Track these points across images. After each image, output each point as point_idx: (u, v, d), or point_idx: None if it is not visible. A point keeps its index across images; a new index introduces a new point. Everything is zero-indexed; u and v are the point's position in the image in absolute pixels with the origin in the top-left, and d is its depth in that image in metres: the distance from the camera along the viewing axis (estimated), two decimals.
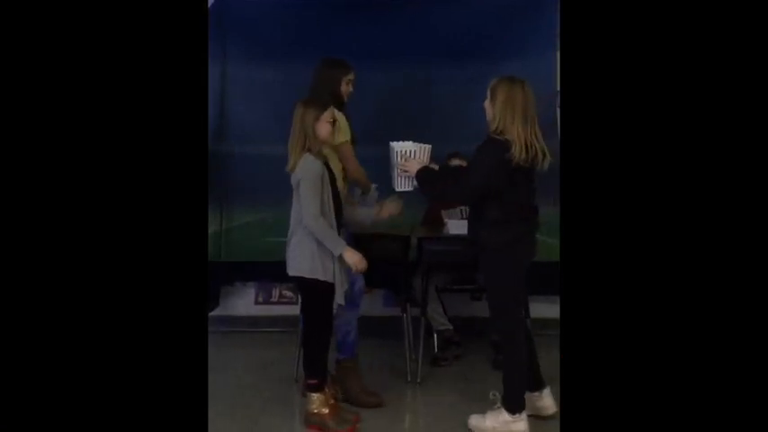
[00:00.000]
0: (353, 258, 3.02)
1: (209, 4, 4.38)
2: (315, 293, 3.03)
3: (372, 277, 4.41)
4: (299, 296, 3.16)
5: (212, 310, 4.59)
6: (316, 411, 3.03)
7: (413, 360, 3.72)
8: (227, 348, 4.30)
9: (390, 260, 3.74)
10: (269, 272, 4.46)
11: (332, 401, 3.09)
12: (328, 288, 3.01)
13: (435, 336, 4.06)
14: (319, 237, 2.97)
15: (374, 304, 4.69)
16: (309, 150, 2.99)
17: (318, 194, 2.96)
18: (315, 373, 3.06)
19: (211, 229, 4.44)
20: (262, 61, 4.50)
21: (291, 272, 3.04)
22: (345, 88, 3.44)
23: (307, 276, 3.00)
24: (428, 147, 3.27)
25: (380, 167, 4.42)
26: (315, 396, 3.04)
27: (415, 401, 3.56)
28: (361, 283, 3.34)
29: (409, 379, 3.66)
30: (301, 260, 3.00)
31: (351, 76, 3.45)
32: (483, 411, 3.00)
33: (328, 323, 3.10)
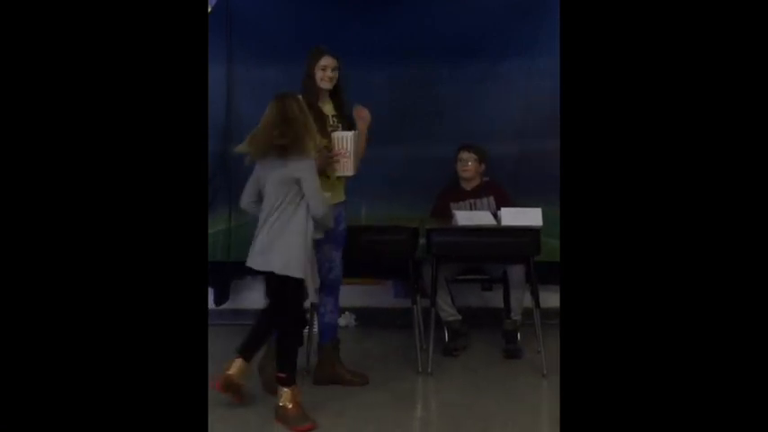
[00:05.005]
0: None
1: (213, 4, 4.39)
2: (297, 289, 3.04)
3: (382, 269, 4.47)
4: (274, 293, 3.09)
5: (223, 303, 4.62)
6: (282, 405, 3.02)
7: (423, 350, 3.74)
8: (236, 340, 4.30)
9: (399, 251, 3.76)
10: None
11: (299, 399, 3.06)
12: (302, 284, 3.04)
13: (445, 326, 4.07)
14: (324, 220, 3.04)
15: (384, 296, 4.72)
16: None
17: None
18: (287, 368, 3.04)
19: (221, 227, 4.48)
20: (267, 61, 4.49)
21: (278, 269, 2.99)
22: (321, 75, 3.36)
23: (294, 275, 2.99)
24: (353, 133, 3.35)
25: (381, 167, 4.45)
26: (284, 390, 3.02)
27: (426, 391, 3.58)
28: (337, 271, 3.36)
29: (420, 369, 3.68)
30: (291, 258, 2.98)
31: (324, 62, 3.36)
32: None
33: (303, 317, 3.14)
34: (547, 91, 4.19)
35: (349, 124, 3.43)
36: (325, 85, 3.38)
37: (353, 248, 3.69)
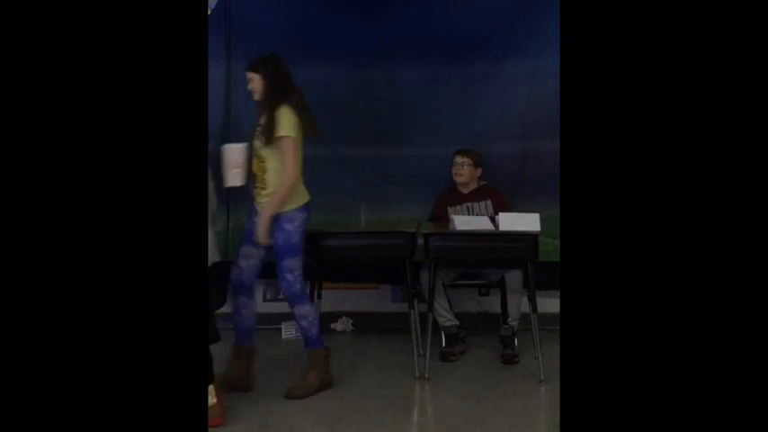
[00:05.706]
0: None
1: (213, 4, 4.38)
2: None
3: (380, 273, 4.46)
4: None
5: (219, 307, 4.59)
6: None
7: (420, 356, 3.73)
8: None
9: (397, 256, 3.75)
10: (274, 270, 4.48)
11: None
12: None
13: (443, 331, 4.07)
14: None
15: (382, 300, 4.71)
16: None
17: None
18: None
19: (218, 228, 4.44)
20: None
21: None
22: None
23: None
24: (243, 145, 3.46)
25: (380, 168, 4.44)
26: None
27: (423, 397, 3.57)
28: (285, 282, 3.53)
29: (417, 374, 3.67)
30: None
31: (247, 77, 3.54)
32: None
33: None
34: (548, 91, 4.19)
35: (268, 135, 3.41)
36: (254, 96, 3.51)
37: (352, 253, 3.68)
